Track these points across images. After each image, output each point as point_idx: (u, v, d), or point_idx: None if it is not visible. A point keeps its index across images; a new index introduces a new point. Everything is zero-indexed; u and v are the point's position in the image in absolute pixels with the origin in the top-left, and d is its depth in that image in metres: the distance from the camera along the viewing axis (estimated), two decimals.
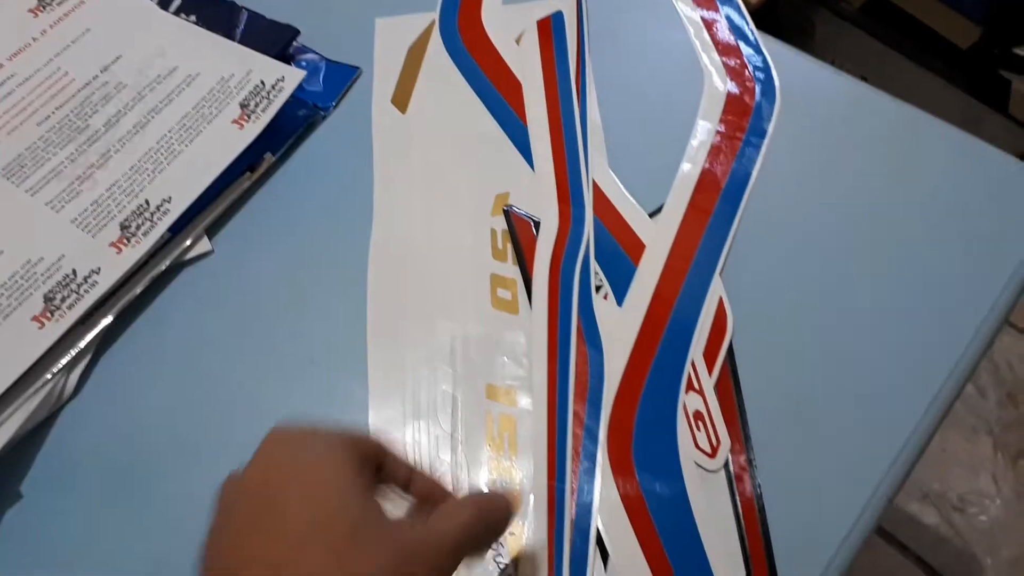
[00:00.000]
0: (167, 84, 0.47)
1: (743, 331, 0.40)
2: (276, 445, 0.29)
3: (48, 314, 0.40)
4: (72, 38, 0.49)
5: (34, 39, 0.49)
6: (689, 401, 0.38)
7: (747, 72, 0.48)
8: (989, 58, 0.91)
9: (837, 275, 0.41)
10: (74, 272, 0.41)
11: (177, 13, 0.50)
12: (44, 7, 0.50)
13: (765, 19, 0.53)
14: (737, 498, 0.36)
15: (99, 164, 0.44)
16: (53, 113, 0.46)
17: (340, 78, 0.49)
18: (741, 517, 0.36)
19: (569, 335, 0.40)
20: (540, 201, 0.44)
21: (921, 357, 0.39)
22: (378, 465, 0.30)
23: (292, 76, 0.46)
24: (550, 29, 0.49)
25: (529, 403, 0.39)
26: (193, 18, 0.50)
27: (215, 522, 0.28)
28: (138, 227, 0.42)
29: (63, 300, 0.40)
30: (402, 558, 0.26)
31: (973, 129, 0.47)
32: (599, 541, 0.35)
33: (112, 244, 0.42)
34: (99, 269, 0.41)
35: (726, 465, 0.37)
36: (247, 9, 0.50)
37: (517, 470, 0.37)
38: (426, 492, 0.31)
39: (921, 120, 0.46)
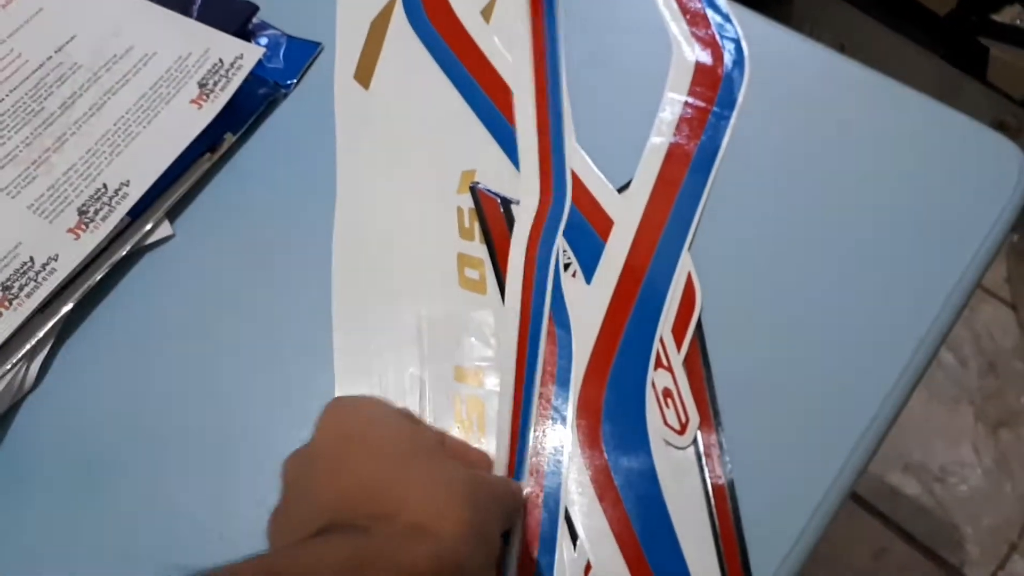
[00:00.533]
0: (123, 64, 0.46)
1: (712, 306, 0.39)
2: (338, 410, 0.33)
3: (5, 303, 0.39)
4: (25, 18, 0.48)
5: None
6: (658, 378, 0.38)
7: (716, 41, 0.47)
8: (967, 25, 0.90)
9: (806, 246, 0.41)
10: (31, 259, 0.40)
11: None
12: None
13: None
14: (706, 473, 0.36)
15: (55, 148, 0.43)
16: (7, 96, 0.45)
17: (301, 54, 0.48)
18: (711, 493, 0.36)
19: (541, 315, 0.39)
20: (523, 179, 0.43)
21: (891, 326, 0.38)
22: None
23: (251, 53, 0.45)
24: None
25: (497, 384, 0.38)
26: None
27: (285, 496, 0.31)
28: (96, 212, 0.41)
29: (21, 288, 0.39)
30: (478, 482, 0.30)
31: (951, 96, 0.46)
32: (568, 520, 0.35)
33: (70, 230, 0.41)
34: (57, 256, 0.40)
35: (695, 441, 0.37)
36: None
37: (485, 451, 0.37)
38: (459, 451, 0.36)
39: (895, 91, 0.45)
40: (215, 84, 0.44)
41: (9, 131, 0.44)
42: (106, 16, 0.47)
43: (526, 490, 0.35)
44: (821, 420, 0.37)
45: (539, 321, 0.39)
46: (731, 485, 0.36)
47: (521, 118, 0.45)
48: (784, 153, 0.44)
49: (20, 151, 0.43)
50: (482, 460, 0.36)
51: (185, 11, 0.47)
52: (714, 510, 0.35)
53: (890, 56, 1.01)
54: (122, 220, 0.41)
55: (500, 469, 0.36)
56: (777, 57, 0.47)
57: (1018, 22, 0.88)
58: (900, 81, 0.46)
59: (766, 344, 0.39)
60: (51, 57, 0.46)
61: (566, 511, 0.35)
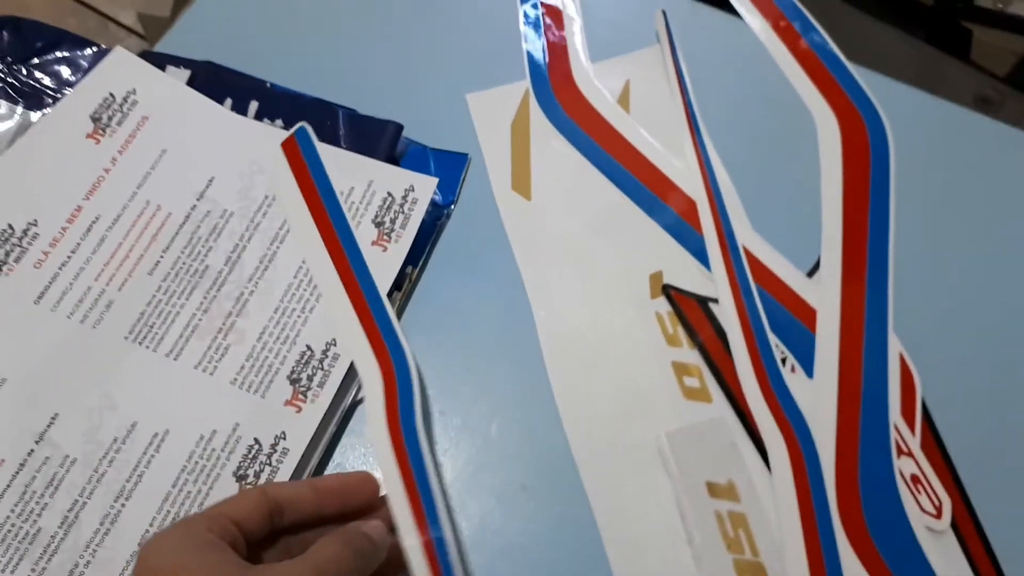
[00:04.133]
0: (280, 206, 0.43)
1: (928, 383, 0.41)
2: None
3: None
4: (150, 163, 0.44)
5: (106, 170, 0.44)
6: (903, 466, 0.40)
7: (852, 110, 0.48)
8: (951, 11, 0.95)
9: (1004, 303, 0.43)
10: (257, 441, 0.38)
11: (259, 118, 0.46)
12: (103, 130, 0.45)
13: None
14: (970, 552, 0.38)
15: (237, 311, 0.41)
16: (162, 257, 0.42)
17: (452, 169, 0.46)
18: (978, 572, 0.38)
19: (799, 416, 0.40)
20: (715, 274, 0.44)
21: None
22: (276, 513, 0.31)
23: (423, 185, 0.43)
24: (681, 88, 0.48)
25: (750, 496, 0.39)
26: (280, 122, 0.46)
27: None
28: (310, 378, 0.39)
29: (258, 475, 0.37)
30: None
31: (932, 75, 0.50)
32: None
33: (288, 403, 0.39)
34: (284, 434, 0.38)
35: (952, 523, 0.39)
36: (340, 106, 0.46)
37: (767, 570, 0.38)
38: (337, 503, 0.33)
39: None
40: (392, 222, 0.42)
41: (179, 298, 0.41)
42: (242, 151, 0.45)
43: None
44: None
45: (800, 423, 0.40)
46: (994, 559, 0.38)
47: (695, 209, 0.46)
48: (942, 213, 0.46)
49: (200, 320, 0.41)
50: (364, 484, 0.34)
51: (331, 139, 0.45)
52: None
53: (872, 41, 1.05)
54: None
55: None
56: (911, 117, 0.48)
57: (1000, 5, 0.93)
58: (885, 66, 0.49)
59: (991, 411, 0.41)
60: (195, 206, 0.43)
61: None
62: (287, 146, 0.44)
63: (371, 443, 0.39)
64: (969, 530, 0.39)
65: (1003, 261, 0.44)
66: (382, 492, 0.34)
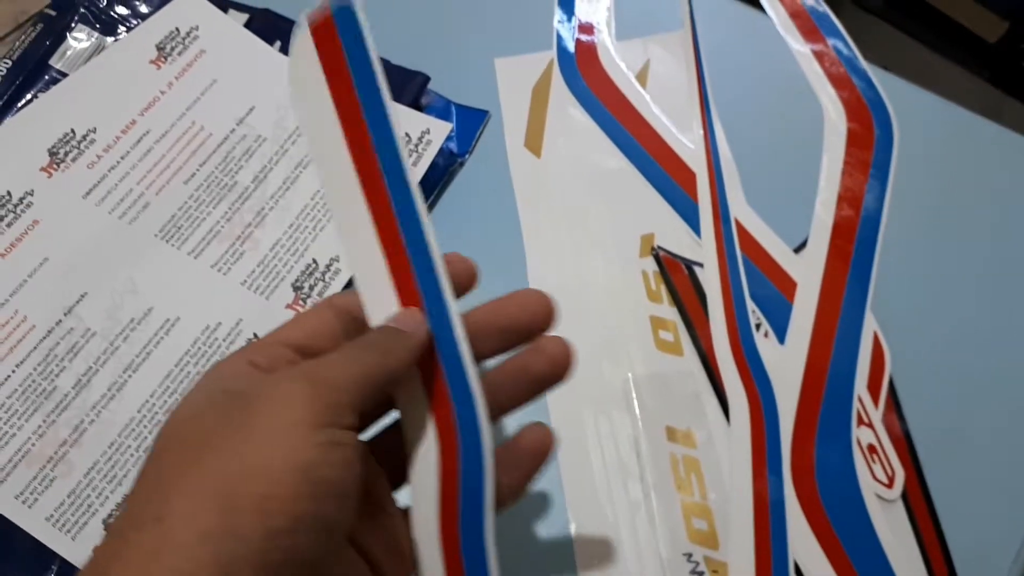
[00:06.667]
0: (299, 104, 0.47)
1: (899, 361, 0.42)
2: (210, 393, 0.24)
3: None
4: (201, 90, 0.49)
5: (162, 92, 0.49)
6: (861, 435, 0.41)
7: (865, 105, 0.50)
8: (1016, 51, 0.94)
9: (979, 299, 0.44)
10: (256, 336, 0.42)
11: None
12: (165, 58, 0.50)
13: None
14: (917, 523, 0.39)
15: (256, 223, 0.45)
16: (198, 170, 0.46)
17: (471, 123, 0.50)
18: (923, 542, 0.39)
19: (763, 371, 0.42)
20: (704, 241, 0.46)
21: None
22: (352, 329, 0.26)
23: (437, 129, 0.47)
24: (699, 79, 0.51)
25: (707, 446, 0.41)
26: None
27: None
28: (311, 287, 0.43)
29: None
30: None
31: (995, 115, 0.50)
32: (798, 573, 0.38)
33: (288, 306, 0.43)
34: None
35: (903, 494, 0.40)
36: None
37: (714, 513, 0.39)
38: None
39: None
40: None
41: (207, 206, 0.45)
42: (282, 87, 0.49)
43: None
44: (1021, 462, 0.40)
45: (765, 383, 0.42)
46: (940, 534, 0.39)
47: (694, 181, 0.48)
48: (941, 209, 0.47)
49: (222, 227, 0.45)
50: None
51: None
52: (928, 558, 0.38)
53: (934, 76, 1.05)
54: None
55: (744, 528, 0.39)
56: (919, 116, 0.50)
57: None
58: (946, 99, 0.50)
59: (956, 393, 0.42)
60: (234, 130, 0.48)
61: (795, 565, 0.38)
62: (320, 32, 0.28)
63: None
64: (919, 502, 0.39)
65: (992, 260, 0.45)
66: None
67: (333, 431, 0.23)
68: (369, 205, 0.27)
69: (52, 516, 0.38)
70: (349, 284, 0.43)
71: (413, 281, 0.27)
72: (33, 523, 0.37)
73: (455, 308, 0.27)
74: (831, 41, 0.53)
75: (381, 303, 0.27)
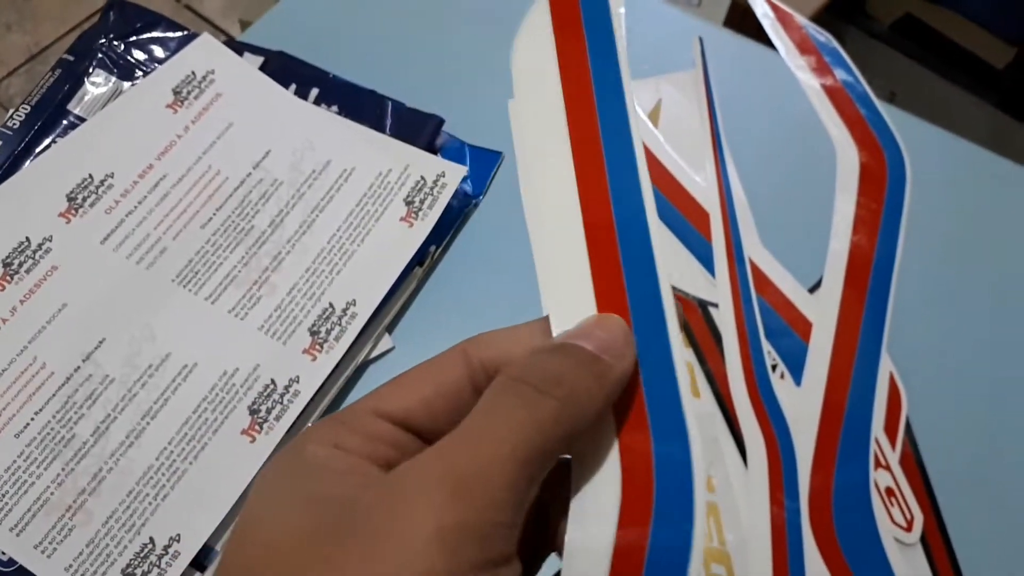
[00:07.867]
0: (324, 179, 0.48)
1: (916, 404, 0.42)
2: (300, 502, 0.17)
3: (256, 427, 0.41)
4: (216, 134, 0.50)
5: (178, 136, 0.49)
6: (879, 478, 0.41)
7: (876, 142, 0.50)
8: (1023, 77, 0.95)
9: (995, 341, 0.44)
10: (273, 382, 0.42)
11: (317, 103, 0.51)
12: (182, 102, 0.50)
13: None
14: (936, 568, 0.39)
15: (273, 267, 0.45)
16: (215, 214, 0.47)
17: (485, 164, 0.50)
18: None
19: (781, 416, 0.42)
20: (719, 281, 0.46)
21: None
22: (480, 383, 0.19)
23: (453, 172, 0.47)
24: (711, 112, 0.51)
25: (725, 490, 0.41)
26: (335, 108, 0.51)
27: None
28: (328, 332, 0.43)
29: (269, 412, 0.41)
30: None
31: (1004, 141, 0.50)
32: None
33: (305, 351, 0.43)
34: (298, 378, 0.42)
35: (923, 538, 0.39)
36: (390, 98, 0.51)
37: (732, 559, 0.39)
38: None
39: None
40: (422, 202, 0.46)
41: (223, 251, 0.46)
42: (297, 130, 0.50)
43: None
44: None
45: (782, 425, 0.42)
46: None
47: (708, 220, 0.48)
48: (953, 247, 0.47)
49: (239, 272, 0.45)
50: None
51: (377, 125, 0.49)
52: None
53: (941, 102, 1.06)
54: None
55: (762, 571, 0.38)
56: (932, 154, 0.50)
57: None
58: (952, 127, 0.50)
59: (973, 435, 0.42)
60: (250, 173, 0.48)
61: None
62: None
63: None
64: (938, 546, 0.39)
65: (1009, 299, 0.45)
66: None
67: (487, 555, 0.16)
68: (577, 171, 0.22)
69: (71, 566, 0.38)
70: (366, 328, 0.44)
71: (621, 278, 0.19)
72: (52, 574, 0.37)
73: (675, 323, 0.19)
74: (841, 75, 0.53)
75: (570, 303, 0.19)
